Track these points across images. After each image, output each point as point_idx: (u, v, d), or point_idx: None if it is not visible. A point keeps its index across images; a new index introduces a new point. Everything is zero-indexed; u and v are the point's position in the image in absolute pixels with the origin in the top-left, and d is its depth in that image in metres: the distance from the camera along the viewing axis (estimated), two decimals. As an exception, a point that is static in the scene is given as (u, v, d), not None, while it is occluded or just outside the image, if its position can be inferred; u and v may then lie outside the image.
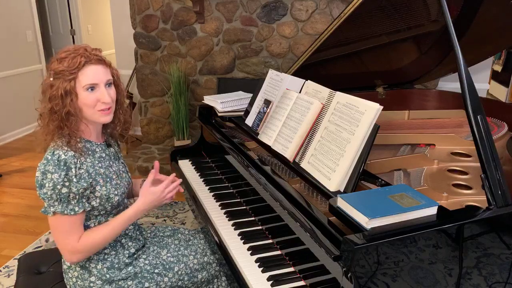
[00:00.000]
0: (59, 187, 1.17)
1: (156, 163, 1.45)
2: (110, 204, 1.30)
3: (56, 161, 1.18)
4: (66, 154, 1.19)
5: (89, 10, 5.78)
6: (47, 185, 1.17)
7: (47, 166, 1.17)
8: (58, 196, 1.18)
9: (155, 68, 3.81)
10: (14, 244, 2.57)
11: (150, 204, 1.34)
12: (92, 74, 1.22)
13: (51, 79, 1.22)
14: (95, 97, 1.23)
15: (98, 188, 1.26)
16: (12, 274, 2.28)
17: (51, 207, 1.19)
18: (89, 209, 1.24)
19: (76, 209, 1.20)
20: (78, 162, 1.21)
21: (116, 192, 1.31)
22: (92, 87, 1.23)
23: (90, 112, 1.25)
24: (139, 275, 1.37)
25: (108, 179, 1.30)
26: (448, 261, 0.98)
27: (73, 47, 1.25)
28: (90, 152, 1.29)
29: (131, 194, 1.57)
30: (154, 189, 1.34)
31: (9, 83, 4.48)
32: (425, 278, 0.96)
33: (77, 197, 1.20)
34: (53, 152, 1.20)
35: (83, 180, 1.21)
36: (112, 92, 1.28)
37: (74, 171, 1.19)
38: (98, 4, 5.89)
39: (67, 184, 1.17)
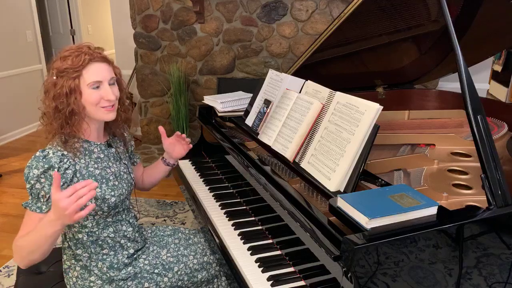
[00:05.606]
0: (32, 182, 1.17)
1: (161, 128, 1.62)
2: (106, 205, 1.29)
3: (41, 157, 1.19)
4: (55, 153, 1.20)
5: (89, 10, 5.78)
6: (28, 179, 1.18)
7: (32, 161, 1.19)
8: (30, 191, 1.19)
9: (155, 68, 3.81)
10: (14, 244, 2.57)
11: (57, 216, 1.05)
12: (97, 72, 1.23)
13: (54, 77, 1.22)
14: (99, 95, 1.24)
15: None
16: (12, 274, 2.28)
17: (28, 201, 1.21)
18: None
19: (43, 207, 1.19)
20: (67, 163, 1.21)
21: (112, 193, 1.31)
22: (97, 85, 1.23)
23: (93, 110, 1.25)
24: (139, 275, 1.37)
25: (104, 180, 1.30)
26: (448, 261, 0.98)
27: (76, 45, 1.26)
28: (87, 153, 1.29)
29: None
30: (58, 197, 1.03)
31: (9, 83, 4.48)
32: (425, 278, 0.96)
33: (47, 196, 1.19)
34: (44, 149, 1.21)
35: (62, 180, 1.19)
36: (116, 90, 1.29)
37: (55, 171, 1.18)
38: (98, 4, 5.89)
39: (42, 181, 1.18)
